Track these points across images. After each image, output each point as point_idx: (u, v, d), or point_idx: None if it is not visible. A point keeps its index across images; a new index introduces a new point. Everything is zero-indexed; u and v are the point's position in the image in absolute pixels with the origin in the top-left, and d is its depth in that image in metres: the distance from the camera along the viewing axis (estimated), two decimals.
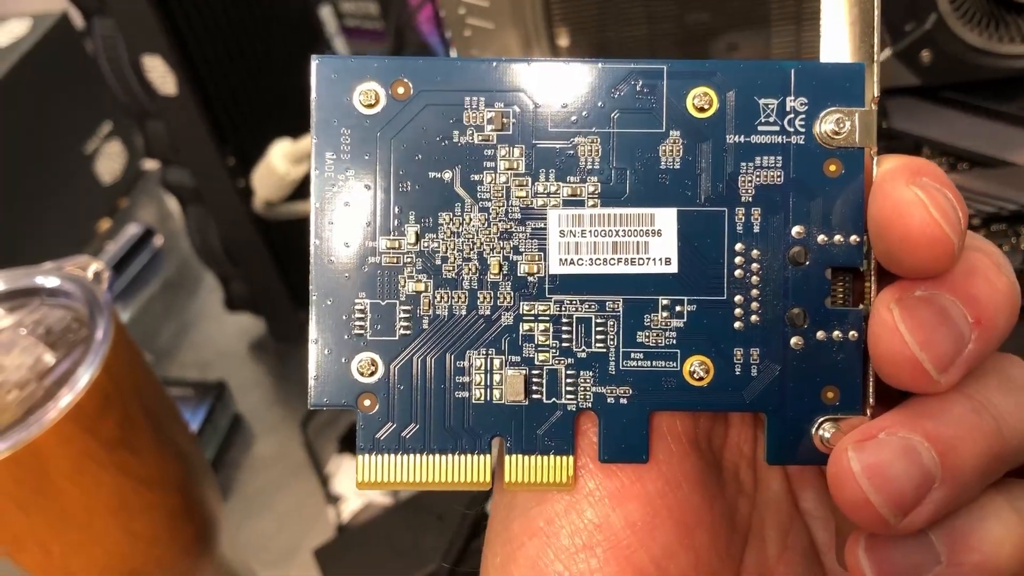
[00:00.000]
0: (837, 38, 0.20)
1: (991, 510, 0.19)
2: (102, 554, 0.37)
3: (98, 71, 0.57)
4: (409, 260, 0.21)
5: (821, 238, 0.20)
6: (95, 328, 0.37)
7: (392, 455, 0.21)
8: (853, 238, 0.20)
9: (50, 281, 0.39)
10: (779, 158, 0.20)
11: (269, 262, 0.63)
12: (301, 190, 0.56)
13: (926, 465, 0.18)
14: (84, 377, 0.35)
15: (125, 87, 0.56)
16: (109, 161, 0.82)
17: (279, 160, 0.55)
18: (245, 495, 0.60)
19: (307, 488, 0.58)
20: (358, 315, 0.21)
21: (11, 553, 0.35)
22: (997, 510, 0.19)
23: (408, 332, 0.21)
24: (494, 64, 0.20)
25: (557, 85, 0.20)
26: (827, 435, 0.20)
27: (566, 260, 0.20)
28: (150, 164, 0.86)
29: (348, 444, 0.59)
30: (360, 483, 0.21)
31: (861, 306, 0.20)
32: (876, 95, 0.20)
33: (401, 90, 0.20)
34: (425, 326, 0.21)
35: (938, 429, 0.19)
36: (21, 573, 0.36)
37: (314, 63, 0.20)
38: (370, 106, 0.21)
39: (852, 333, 0.20)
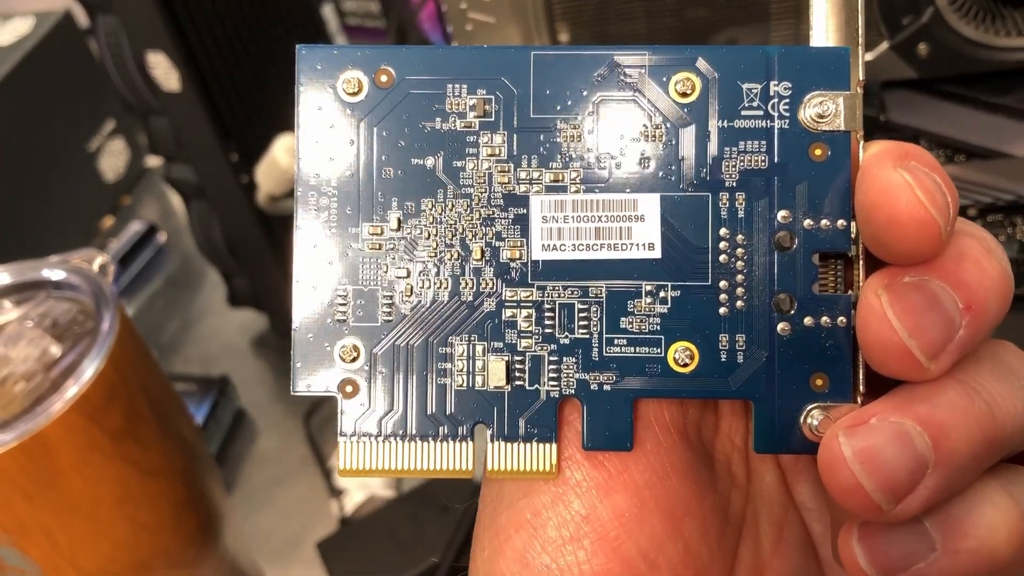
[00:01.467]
0: (822, 24, 0.20)
1: (985, 496, 0.19)
2: (108, 544, 0.37)
3: (101, 69, 0.58)
4: (392, 246, 0.21)
5: (807, 223, 0.20)
6: (101, 320, 0.37)
7: (374, 441, 0.21)
8: (840, 222, 0.20)
9: (56, 274, 0.40)
10: (763, 143, 0.20)
11: (272, 257, 0.63)
12: None
13: (919, 450, 0.18)
14: (90, 369, 0.35)
15: (129, 84, 0.56)
16: (112, 159, 0.83)
17: (282, 154, 0.55)
18: (249, 489, 0.60)
19: (310, 481, 0.59)
20: (340, 301, 0.21)
21: (18, 543, 0.35)
22: (991, 495, 0.19)
23: (390, 318, 0.21)
24: (476, 51, 0.20)
25: (539, 72, 0.20)
26: (815, 423, 0.20)
27: (549, 246, 0.20)
28: (153, 161, 0.86)
29: None
30: (342, 470, 0.21)
31: (850, 292, 0.20)
32: (861, 79, 0.20)
33: (384, 78, 0.20)
34: (407, 312, 0.21)
35: (931, 414, 0.18)
36: (27, 563, 0.36)
37: (299, 53, 0.21)
38: (354, 94, 0.21)
39: (841, 319, 0.20)
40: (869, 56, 0.40)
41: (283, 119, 0.59)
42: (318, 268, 0.21)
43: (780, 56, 0.20)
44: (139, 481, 0.38)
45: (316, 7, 0.73)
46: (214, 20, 0.56)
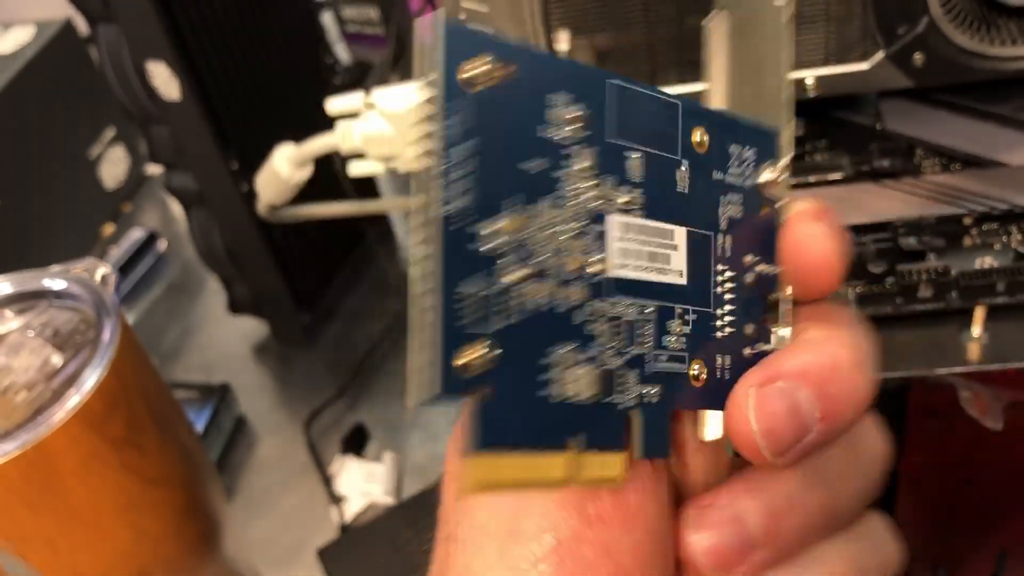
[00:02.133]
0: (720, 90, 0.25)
1: (817, 556, 0.22)
2: (109, 552, 0.37)
3: (101, 77, 0.58)
4: (502, 252, 0.19)
5: (760, 267, 0.23)
6: (102, 330, 0.37)
7: (504, 452, 0.20)
8: (777, 268, 0.23)
9: (57, 284, 0.40)
10: (740, 196, 0.23)
11: (272, 265, 0.63)
12: (304, 194, 0.57)
13: (751, 533, 0.21)
14: (91, 378, 0.35)
15: (129, 92, 0.57)
16: (112, 166, 0.83)
17: (282, 164, 0.55)
18: (249, 496, 0.60)
19: (310, 488, 0.59)
20: (458, 306, 0.19)
21: (20, 551, 0.36)
22: (823, 557, 0.22)
23: (510, 321, 0.20)
24: (581, 67, 0.21)
25: (624, 101, 0.21)
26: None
27: (620, 264, 0.21)
28: (153, 169, 0.86)
29: (350, 445, 0.60)
30: (472, 487, 0.19)
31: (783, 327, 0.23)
32: (790, 155, 0.24)
33: (505, 74, 0.19)
34: (518, 319, 0.20)
35: (768, 501, 0.21)
36: (29, 571, 0.36)
37: (442, 28, 0.18)
38: (478, 85, 0.19)
39: (748, 350, 0.23)
40: (866, 65, 0.40)
41: (284, 127, 0.60)
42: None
43: (744, 128, 0.23)
44: (140, 489, 0.38)
45: (316, 15, 0.73)
46: (214, 29, 0.57)
